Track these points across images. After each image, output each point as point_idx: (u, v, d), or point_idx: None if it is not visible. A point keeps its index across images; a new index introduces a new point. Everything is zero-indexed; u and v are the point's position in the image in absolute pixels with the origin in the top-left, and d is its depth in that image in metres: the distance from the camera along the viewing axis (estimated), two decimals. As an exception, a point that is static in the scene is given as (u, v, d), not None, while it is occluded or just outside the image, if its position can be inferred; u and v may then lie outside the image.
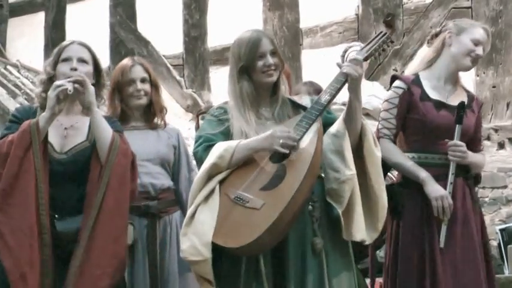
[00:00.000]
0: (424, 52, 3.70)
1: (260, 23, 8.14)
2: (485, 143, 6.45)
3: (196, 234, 2.72)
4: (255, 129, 2.91)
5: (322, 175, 2.89)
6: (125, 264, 3.11)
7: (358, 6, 8.08)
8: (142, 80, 3.70)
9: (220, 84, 7.58)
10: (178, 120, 7.31)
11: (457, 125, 3.36)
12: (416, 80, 3.50)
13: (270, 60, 2.96)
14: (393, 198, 3.29)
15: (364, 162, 2.92)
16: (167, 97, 7.16)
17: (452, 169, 3.35)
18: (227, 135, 2.94)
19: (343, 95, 2.99)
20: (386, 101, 3.52)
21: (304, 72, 7.95)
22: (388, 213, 2.99)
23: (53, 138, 3.09)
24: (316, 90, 4.25)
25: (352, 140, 2.91)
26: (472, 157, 3.43)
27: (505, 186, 6.99)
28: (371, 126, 3.04)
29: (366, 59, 2.99)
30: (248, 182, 2.77)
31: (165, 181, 3.67)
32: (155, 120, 3.75)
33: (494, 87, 7.47)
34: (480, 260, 3.37)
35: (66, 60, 3.16)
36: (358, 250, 3.17)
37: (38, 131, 2.99)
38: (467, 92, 3.59)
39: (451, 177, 3.35)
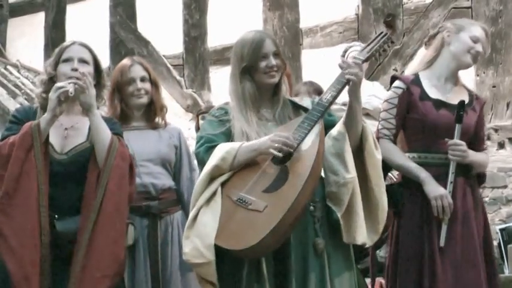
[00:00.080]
0: (423, 53, 3.71)
1: (260, 23, 8.14)
2: (485, 142, 6.44)
3: (199, 236, 2.71)
4: (256, 130, 2.91)
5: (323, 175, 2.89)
6: (124, 266, 3.12)
7: (358, 6, 8.08)
8: (142, 79, 3.71)
9: (221, 84, 7.59)
10: (179, 120, 7.31)
11: (457, 124, 3.35)
12: (416, 80, 3.50)
13: (273, 61, 2.96)
14: (393, 198, 3.29)
15: (365, 164, 2.92)
16: (167, 97, 7.15)
17: (452, 168, 3.35)
18: (228, 136, 2.93)
19: (343, 95, 2.99)
20: (385, 101, 3.52)
21: (304, 72, 7.94)
22: (391, 214, 2.99)
23: (54, 138, 3.09)
24: (316, 90, 4.25)
25: (353, 142, 2.90)
26: (473, 156, 3.42)
27: (505, 186, 6.99)
28: (371, 126, 3.04)
29: (366, 60, 2.99)
30: (250, 184, 2.76)
31: (166, 181, 3.66)
32: (156, 119, 3.75)
33: (494, 87, 7.47)
34: (481, 260, 3.36)
35: (67, 60, 3.16)
36: (359, 250, 3.17)
37: (40, 133, 2.99)
38: (469, 91, 3.58)
39: (451, 177, 3.35)
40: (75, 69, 3.12)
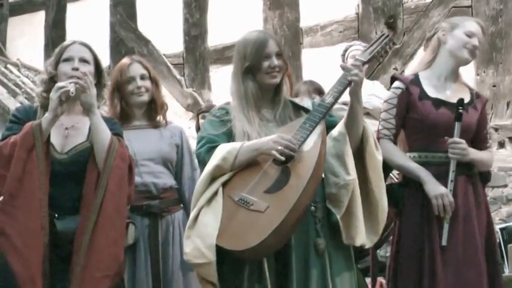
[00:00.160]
0: (422, 55, 3.71)
1: (260, 22, 8.14)
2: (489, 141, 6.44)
3: (200, 236, 2.71)
4: (257, 131, 2.90)
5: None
6: (124, 266, 3.13)
7: (358, 5, 8.07)
8: (142, 77, 3.71)
9: (221, 83, 7.60)
10: (179, 119, 7.30)
11: (457, 122, 3.35)
12: (415, 80, 3.50)
13: (275, 61, 2.96)
14: (393, 198, 3.29)
15: (365, 165, 2.92)
16: (167, 96, 7.15)
17: (452, 167, 3.34)
18: (229, 136, 2.93)
19: (344, 95, 2.98)
20: (385, 101, 3.53)
21: (304, 71, 7.94)
22: (391, 213, 2.99)
23: (54, 138, 3.09)
24: (316, 89, 4.25)
25: (353, 143, 2.90)
26: (475, 154, 3.41)
27: (505, 186, 6.98)
28: (371, 126, 3.04)
29: (368, 62, 2.99)
30: (252, 184, 2.76)
31: (167, 180, 3.66)
32: (157, 118, 3.75)
33: (494, 86, 7.46)
34: (482, 260, 3.36)
35: (67, 60, 3.16)
36: (358, 250, 3.17)
37: (41, 133, 2.99)
38: (470, 89, 3.58)
39: (451, 175, 3.34)
40: (76, 69, 3.12)
